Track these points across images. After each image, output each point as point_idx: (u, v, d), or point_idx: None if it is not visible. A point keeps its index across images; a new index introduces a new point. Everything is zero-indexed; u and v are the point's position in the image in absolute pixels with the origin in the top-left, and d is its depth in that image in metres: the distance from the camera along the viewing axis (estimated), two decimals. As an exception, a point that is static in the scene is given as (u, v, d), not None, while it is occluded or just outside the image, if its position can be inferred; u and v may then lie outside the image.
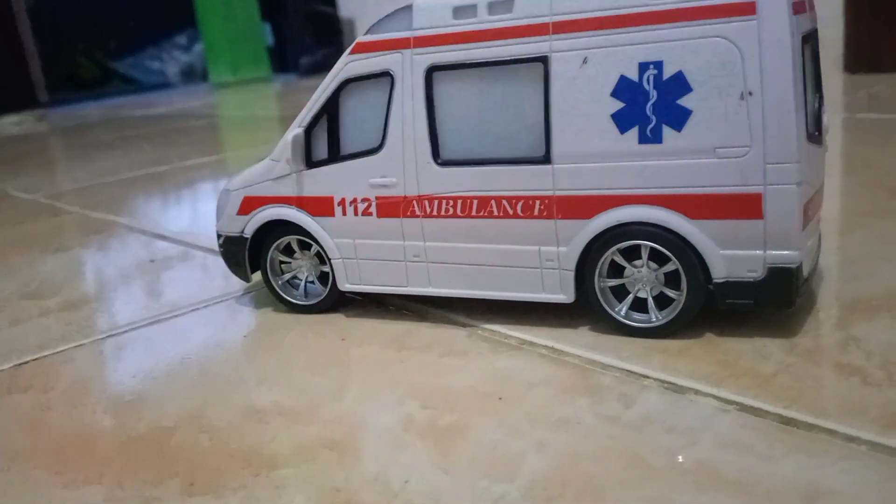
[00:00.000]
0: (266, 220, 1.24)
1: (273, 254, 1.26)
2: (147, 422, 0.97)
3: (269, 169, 1.23)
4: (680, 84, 0.93)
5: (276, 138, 1.24)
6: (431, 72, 1.06)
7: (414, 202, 1.11)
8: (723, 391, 0.87)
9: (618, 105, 0.96)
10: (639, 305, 1.03)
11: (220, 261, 1.34)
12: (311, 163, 1.18)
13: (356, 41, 1.13)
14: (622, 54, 0.95)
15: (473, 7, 1.03)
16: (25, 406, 1.06)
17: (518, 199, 1.04)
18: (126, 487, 0.83)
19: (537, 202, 1.03)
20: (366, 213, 1.15)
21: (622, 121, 0.96)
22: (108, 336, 1.29)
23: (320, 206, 1.19)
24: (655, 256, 1.00)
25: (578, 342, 1.04)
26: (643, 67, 0.94)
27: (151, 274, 1.63)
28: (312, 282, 1.27)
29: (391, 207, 1.13)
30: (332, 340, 1.15)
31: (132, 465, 0.88)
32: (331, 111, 1.15)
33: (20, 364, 1.21)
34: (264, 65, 7.79)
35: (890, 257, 1.22)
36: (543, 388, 0.93)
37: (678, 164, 0.95)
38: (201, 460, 0.87)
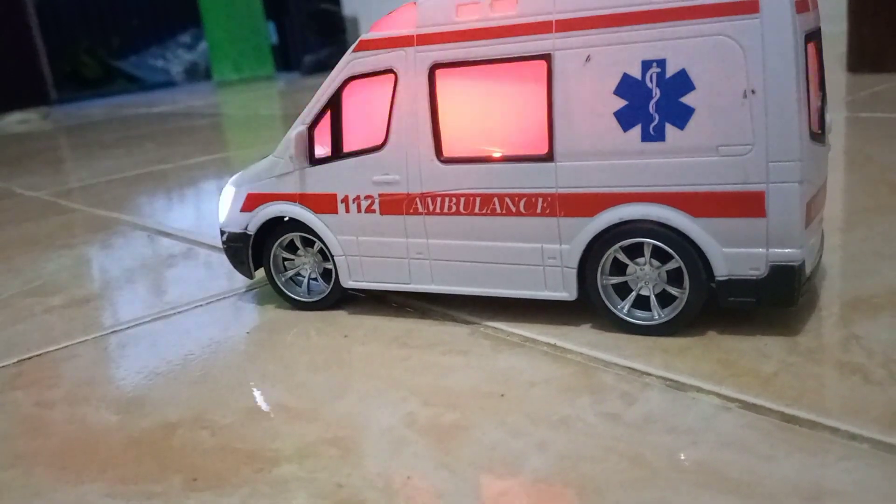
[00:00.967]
0: (269, 216, 1.24)
1: (276, 250, 1.27)
2: (150, 419, 0.97)
3: (273, 166, 1.23)
4: (683, 82, 0.93)
5: (279, 137, 1.24)
6: (435, 69, 1.07)
7: (417, 199, 1.11)
8: (724, 389, 0.87)
9: (621, 103, 0.96)
10: (641, 303, 1.03)
11: (224, 258, 1.35)
12: (314, 160, 1.18)
13: (360, 39, 1.13)
14: (625, 52, 0.95)
15: (476, 4, 1.03)
16: (29, 402, 1.07)
17: (521, 196, 1.04)
18: (129, 483, 0.83)
19: (540, 200, 1.03)
20: (369, 210, 1.15)
21: (625, 119, 0.96)
22: (111, 332, 1.29)
23: (324, 203, 1.19)
24: (658, 254, 1.00)
25: (580, 340, 1.04)
26: (646, 65, 0.94)
27: (155, 271, 1.64)
28: (315, 279, 1.27)
29: (394, 204, 1.13)
30: (335, 338, 1.15)
31: (135, 461, 0.88)
32: (334, 109, 1.15)
33: (24, 360, 1.21)
34: (268, 63, 7.80)
35: (892, 255, 1.22)
36: (545, 386, 0.94)
37: (681, 162, 0.95)
38: (204, 457, 0.87)
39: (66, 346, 1.25)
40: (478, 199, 1.07)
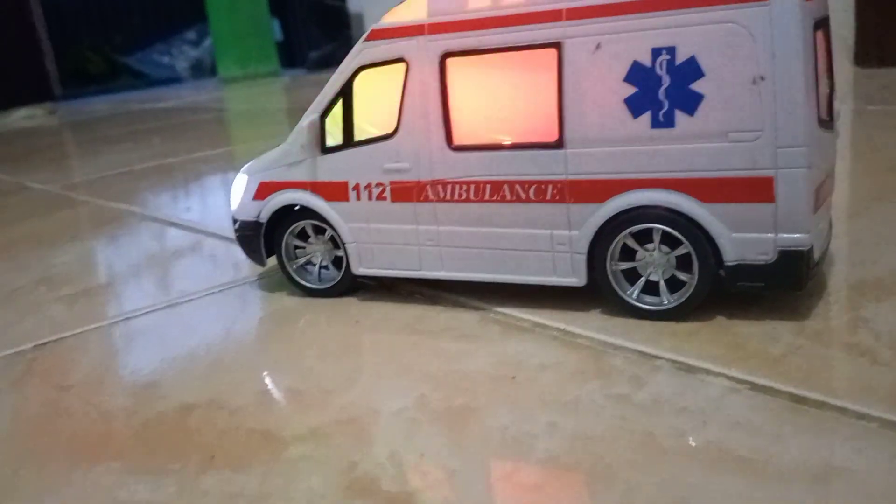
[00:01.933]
0: (281, 204, 1.25)
1: (288, 238, 1.28)
2: (164, 404, 0.98)
3: (285, 154, 1.24)
4: (692, 69, 0.94)
5: (284, 132, 1.25)
6: (445, 58, 1.08)
7: (427, 187, 1.12)
8: (733, 371, 0.88)
9: (631, 90, 0.97)
10: (650, 288, 1.04)
11: (232, 248, 1.36)
12: (325, 148, 1.19)
13: (371, 28, 1.14)
14: (635, 40, 0.96)
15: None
16: (44, 387, 1.08)
17: (531, 183, 1.05)
18: (145, 462, 0.85)
19: (550, 186, 1.04)
20: (380, 197, 1.16)
21: (635, 105, 0.97)
22: (123, 320, 1.30)
23: (335, 191, 1.20)
24: (667, 240, 1.01)
25: (590, 325, 1.05)
26: (656, 53, 0.95)
27: (165, 261, 1.65)
28: (326, 266, 1.28)
29: (405, 192, 1.14)
30: (346, 325, 1.16)
31: (151, 443, 0.89)
32: (346, 97, 1.17)
33: (38, 345, 1.22)
34: (273, 59, 7.79)
35: (899, 241, 1.23)
36: (555, 370, 0.95)
37: (690, 149, 0.96)
38: (219, 439, 0.88)
39: (80, 333, 1.26)
40: (488, 187, 1.08)
